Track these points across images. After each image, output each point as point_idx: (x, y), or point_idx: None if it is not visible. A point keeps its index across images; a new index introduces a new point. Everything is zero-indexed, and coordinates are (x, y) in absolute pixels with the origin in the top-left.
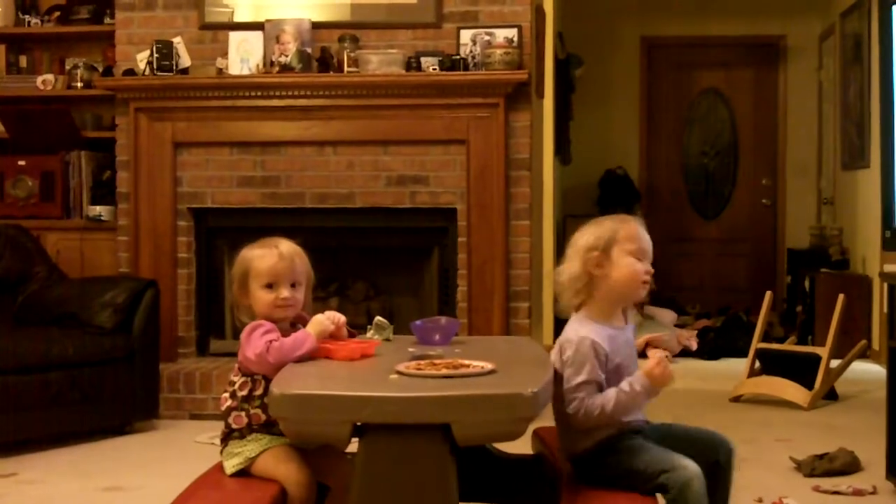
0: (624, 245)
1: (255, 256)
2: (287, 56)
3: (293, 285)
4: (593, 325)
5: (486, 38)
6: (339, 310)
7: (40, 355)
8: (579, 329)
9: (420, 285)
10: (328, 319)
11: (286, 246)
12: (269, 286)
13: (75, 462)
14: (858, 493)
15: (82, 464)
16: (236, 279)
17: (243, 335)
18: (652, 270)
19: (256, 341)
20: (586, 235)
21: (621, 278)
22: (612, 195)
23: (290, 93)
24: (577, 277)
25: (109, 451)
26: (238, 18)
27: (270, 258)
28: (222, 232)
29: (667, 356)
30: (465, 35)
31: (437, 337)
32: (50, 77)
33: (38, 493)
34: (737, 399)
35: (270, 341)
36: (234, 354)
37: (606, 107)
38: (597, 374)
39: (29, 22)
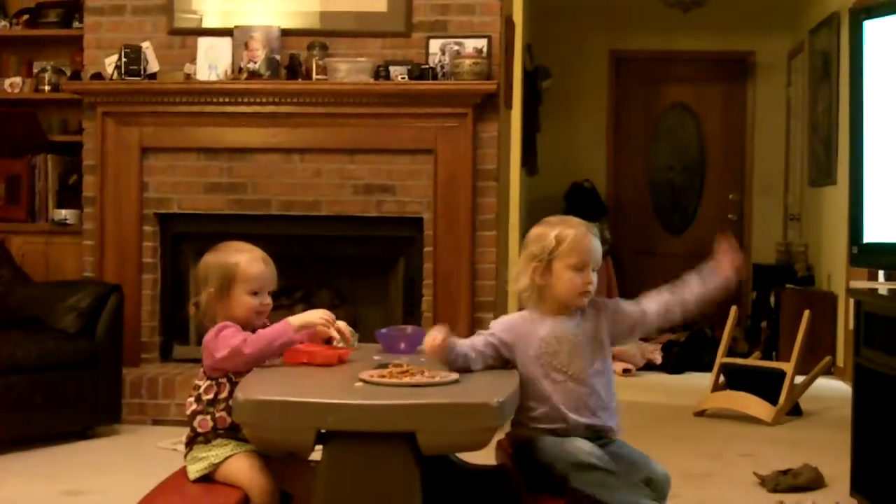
0: (564, 259)
1: (241, 261)
2: (255, 63)
3: (269, 292)
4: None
5: (456, 48)
6: None
7: (3, 358)
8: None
9: (385, 294)
10: (320, 315)
11: (261, 252)
12: (255, 292)
13: (37, 466)
14: None
15: (44, 468)
16: (215, 283)
17: (209, 337)
18: (590, 280)
19: (229, 339)
20: (531, 244)
21: (561, 290)
22: (579, 208)
23: (257, 99)
24: (526, 287)
25: (71, 456)
26: (207, 24)
27: (258, 264)
28: (188, 238)
29: (633, 368)
30: (435, 45)
31: (402, 346)
32: (17, 80)
33: None
34: (701, 413)
35: (245, 338)
36: (197, 360)
37: (574, 119)
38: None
39: None
